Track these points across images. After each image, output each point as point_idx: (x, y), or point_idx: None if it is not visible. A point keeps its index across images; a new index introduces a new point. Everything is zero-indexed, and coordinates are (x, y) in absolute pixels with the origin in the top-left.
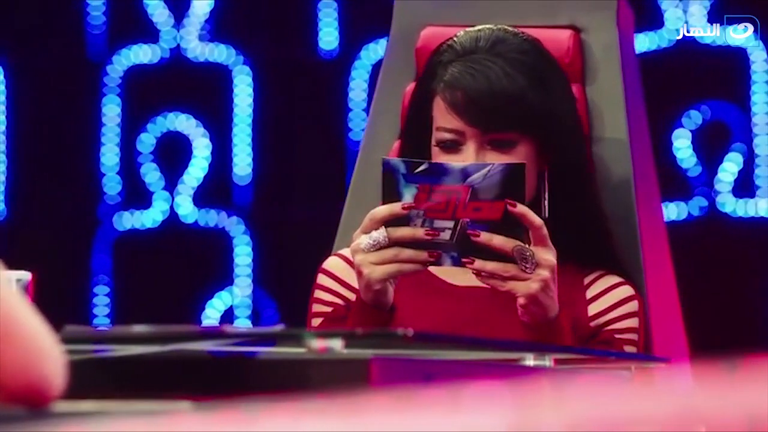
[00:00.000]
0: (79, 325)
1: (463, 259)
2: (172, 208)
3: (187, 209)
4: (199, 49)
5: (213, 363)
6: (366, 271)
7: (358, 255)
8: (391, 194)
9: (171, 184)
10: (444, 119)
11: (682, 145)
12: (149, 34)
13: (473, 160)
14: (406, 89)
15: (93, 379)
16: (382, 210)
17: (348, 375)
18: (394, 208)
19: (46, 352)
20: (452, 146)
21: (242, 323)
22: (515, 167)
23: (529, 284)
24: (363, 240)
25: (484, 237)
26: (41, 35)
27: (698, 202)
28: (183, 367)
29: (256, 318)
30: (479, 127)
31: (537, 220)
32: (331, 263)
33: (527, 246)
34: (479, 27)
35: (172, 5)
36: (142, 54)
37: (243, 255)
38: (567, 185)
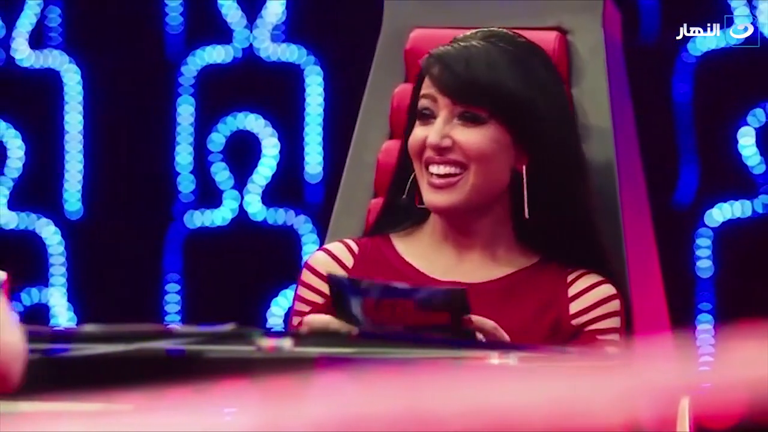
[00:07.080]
0: (32, 325)
1: None
2: (241, 206)
3: (256, 208)
4: (272, 49)
5: (163, 362)
6: None
7: None
8: (340, 306)
9: (240, 183)
10: (425, 87)
11: (747, 143)
12: (223, 34)
13: (440, 131)
14: (396, 90)
15: (40, 379)
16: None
17: (294, 374)
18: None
19: None
20: (428, 115)
21: None
22: (456, 293)
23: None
24: None
25: None
26: (119, 37)
27: (763, 200)
28: (132, 366)
29: None
30: (450, 95)
31: (488, 323)
32: (315, 258)
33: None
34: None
35: (245, 6)
36: (215, 54)
37: (311, 253)
38: (551, 182)
